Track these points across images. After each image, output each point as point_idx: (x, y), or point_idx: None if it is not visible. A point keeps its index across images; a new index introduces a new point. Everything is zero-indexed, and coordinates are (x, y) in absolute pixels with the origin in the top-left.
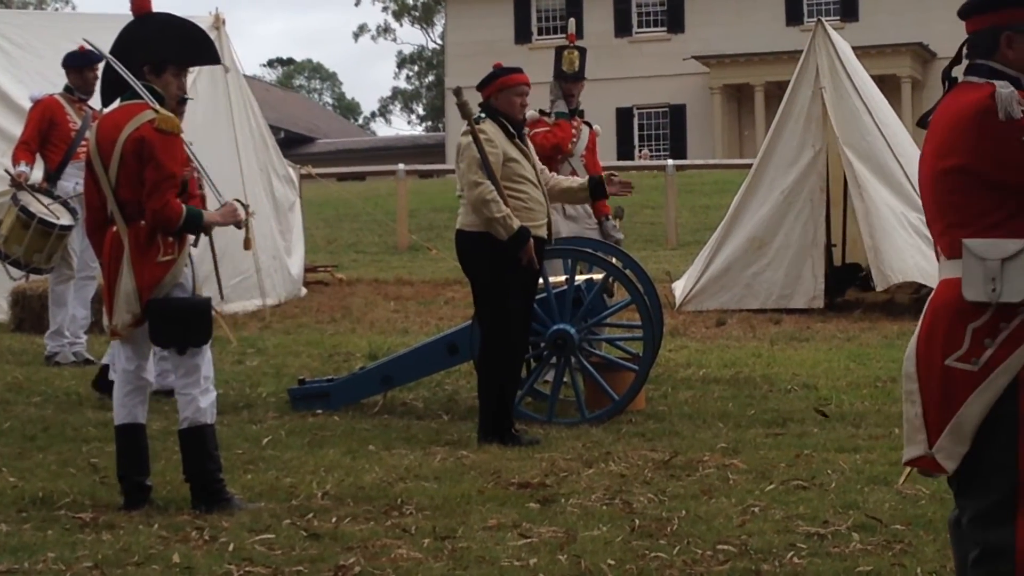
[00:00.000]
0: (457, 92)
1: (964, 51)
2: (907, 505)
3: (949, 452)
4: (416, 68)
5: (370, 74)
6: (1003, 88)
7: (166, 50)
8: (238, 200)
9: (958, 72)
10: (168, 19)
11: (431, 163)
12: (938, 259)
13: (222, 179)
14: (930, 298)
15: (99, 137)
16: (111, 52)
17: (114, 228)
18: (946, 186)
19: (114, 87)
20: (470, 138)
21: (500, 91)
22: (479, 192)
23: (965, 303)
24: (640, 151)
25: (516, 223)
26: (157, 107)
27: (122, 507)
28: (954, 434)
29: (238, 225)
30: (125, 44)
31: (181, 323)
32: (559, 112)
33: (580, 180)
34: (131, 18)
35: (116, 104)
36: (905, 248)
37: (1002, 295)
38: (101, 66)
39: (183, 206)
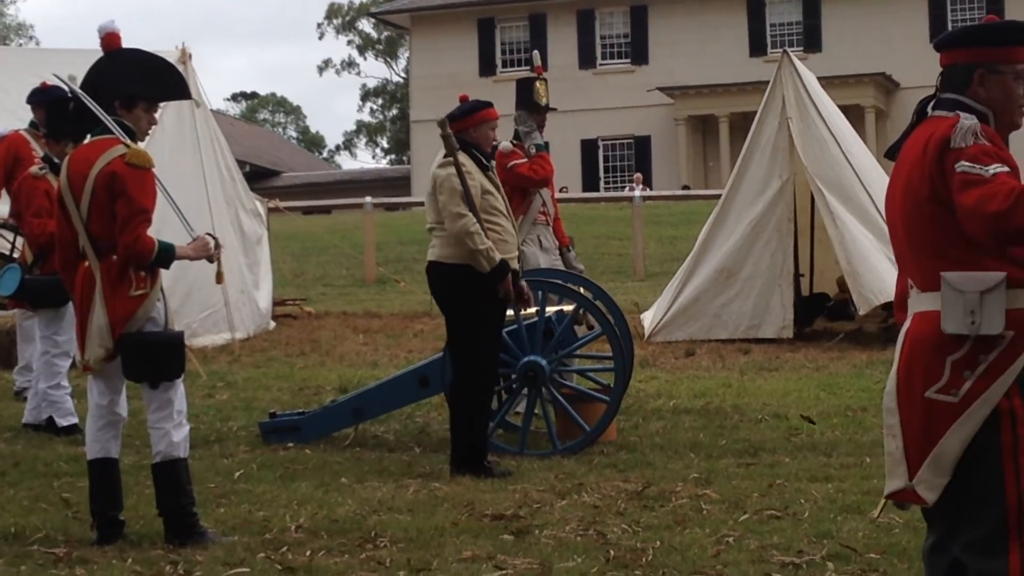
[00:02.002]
0: (442, 124)
1: (938, 84)
2: (881, 534)
3: (930, 484)
4: (380, 101)
5: (334, 107)
6: (966, 119)
7: (137, 85)
8: (209, 234)
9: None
10: (137, 55)
11: (397, 196)
12: (906, 293)
13: (189, 213)
14: (905, 331)
15: (70, 172)
16: (82, 87)
17: (86, 263)
18: (920, 218)
19: (84, 122)
20: (451, 170)
21: (479, 124)
22: (463, 224)
23: (944, 336)
24: (633, 178)
25: (498, 256)
26: (128, 142)
27: (95, 542)
28: (935, 465)
29: (210, 259)
30: (95, 80)
31: (154, 357)
32: (538, 144)
33: None
34: (99, 54)
35: (87, 139)
36: (883, 269)
37: (981, 327)
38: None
39: (155, 240)
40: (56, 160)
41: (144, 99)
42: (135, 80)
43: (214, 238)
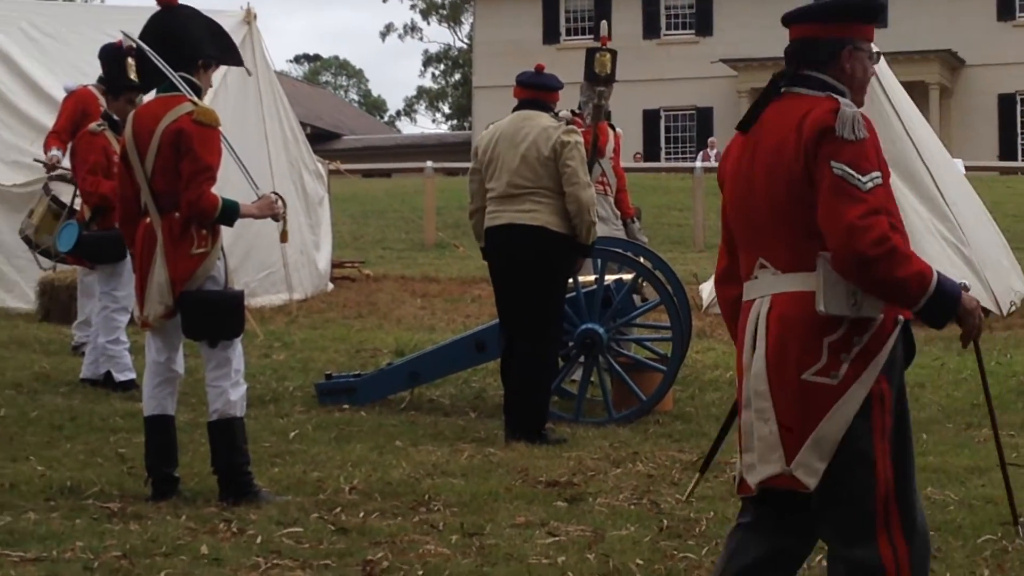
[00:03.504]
0: (600, 94)
1: (790, 57)
2: (936, 511)
3: (810, 468)
4: (442, 67)
5: (396, 72)
6: (847, 106)
7: (211, 47)
8: (275, 192)
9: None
10: (199, 15)
11: (457, 161)
12: (749, 272)
13: (250, 171)
14: (766, 313)
15: (135, 128)
16: (146, 42)
17: (147, 220)
18: (792, 197)
19: (150, 78)
20: (579, 137)
21: (555, 102)
22: (591, 194)
23: (819, 317)
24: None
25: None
26: (195, 99)
27: (150, 498)
28: (816, 449)
29: (275, 218)
30: (156, 35)
31: (214, 316)
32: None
33: None
34: (155, 9)
35: (152, 95)
36: (931, 255)
37: (862, 309)
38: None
39: (219, 197)
40: (115, 117)
41: (216, 61)
42: (208, 42)
43: (280, 197)
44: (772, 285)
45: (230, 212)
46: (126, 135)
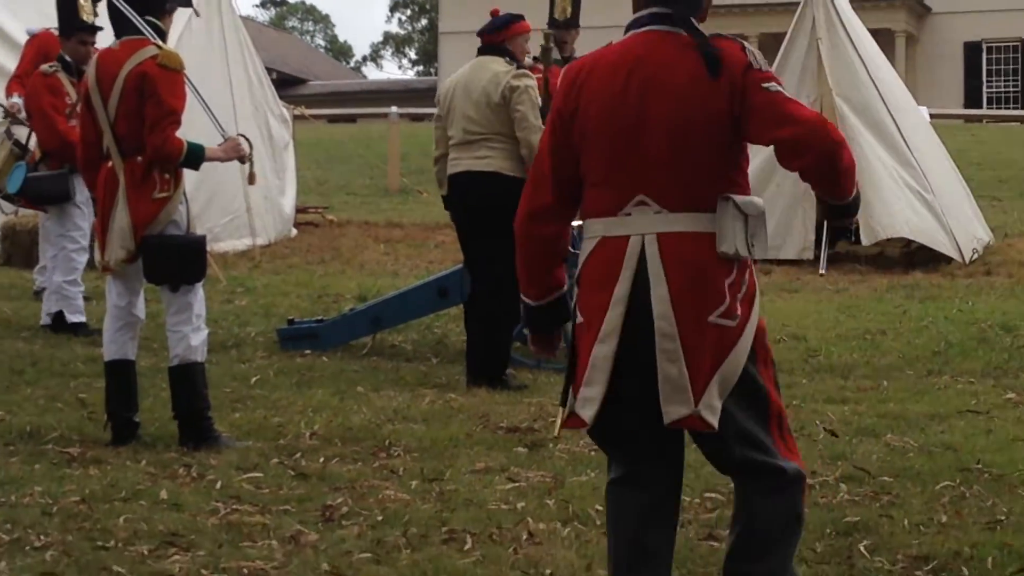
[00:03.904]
0: (547, 37)
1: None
2: (895, 457)
3: (712, 408)
4: (409, 12)
5: (362, 17)
6: (747, 44)
7: None
8: (241, 135)
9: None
10: None
11: (423, 107)
12: (617, 208)
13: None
14: (657, 253)
15: (99, 72)
16: None
17: (109, 164)
18: (697, 138)
19: (123, 24)
20: (531, 82)
21: (515, 37)
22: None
23: (718, 259)
24: None
25: None
26: (159, 43)
27: (110, 443)
28: (720, 389)
29: (242, 160)
30: None
31: (175, 260)
32: (556, 59)
33: None
34: None
35: (115, 40)
36: (895, 203)
37: (755, 251)
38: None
39: (184, 141)
40: (68, 59)
41: (176, 4)
42: None
43: (246, 138)
44: (654, 224)
45: (195, 156)
46: (89, 78)
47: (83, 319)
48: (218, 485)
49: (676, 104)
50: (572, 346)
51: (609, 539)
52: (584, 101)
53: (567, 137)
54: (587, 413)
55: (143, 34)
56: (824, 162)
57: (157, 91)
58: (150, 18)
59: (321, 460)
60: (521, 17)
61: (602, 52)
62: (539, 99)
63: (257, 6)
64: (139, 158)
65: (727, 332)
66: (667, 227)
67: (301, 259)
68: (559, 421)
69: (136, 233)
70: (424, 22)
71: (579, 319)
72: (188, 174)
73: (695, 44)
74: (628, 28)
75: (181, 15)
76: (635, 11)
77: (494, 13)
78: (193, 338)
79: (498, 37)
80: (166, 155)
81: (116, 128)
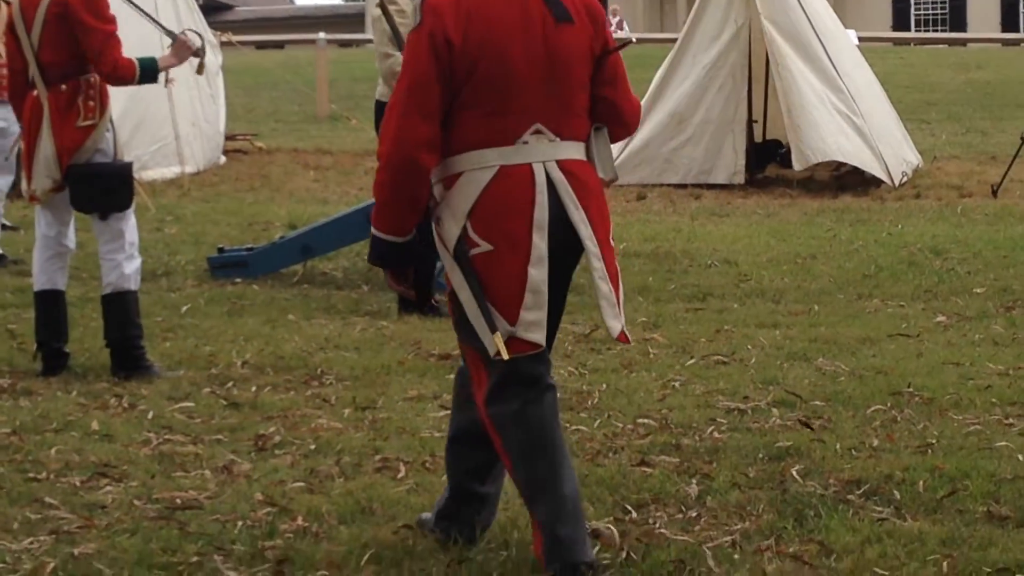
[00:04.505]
0: None
1: None
2: (827, 381)
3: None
4: None
5: None
6: None
7: None
8: (187, 31)
9: None
10: None
11: (351, 33)
12: (515, 136)
13: (140, 44)
14: (564, 178)
15: (22, 1)
16: None
17: (34, 92)
18: (587, 75)
19: None
20: (377, 11)
21: None
22: (390, 64)
23: (601, 184)
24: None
25: None
26: None
27: (40, 373)
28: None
29: (196, 54)
30: None
31: (102, 188)
32: None
33: None
34: None
35: None
36: (825, 127)
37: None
38: None
39: (134, 60)
40: None
41: None
42: None
43: (194, 31)
44: (548, 152)
45: (150, 70)
46: (12, 8)
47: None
48: (150, 415)
49: (567, 38)
50: (471, 273)
51: (524, 460)
52: (478, 30)
53: (453, 64)
54: (537, 336)
55: None
56: (621, 136)
57: (83, 19)
58: None
59: (253, 389)
60: None
61: None
62: (387, 27)
63: None
64: (63, 86)
65: (614, 252)
66: (560, 155)
67: (230, 187)
68: (500, 347)
69: (62, 161)
70: None
71: (482, 247)
72: (114, 101)
73: None
74: None
75: None
76: None
77: None
78: (126, 266)
79: None
80: (120, 78)
81: (40, 56)
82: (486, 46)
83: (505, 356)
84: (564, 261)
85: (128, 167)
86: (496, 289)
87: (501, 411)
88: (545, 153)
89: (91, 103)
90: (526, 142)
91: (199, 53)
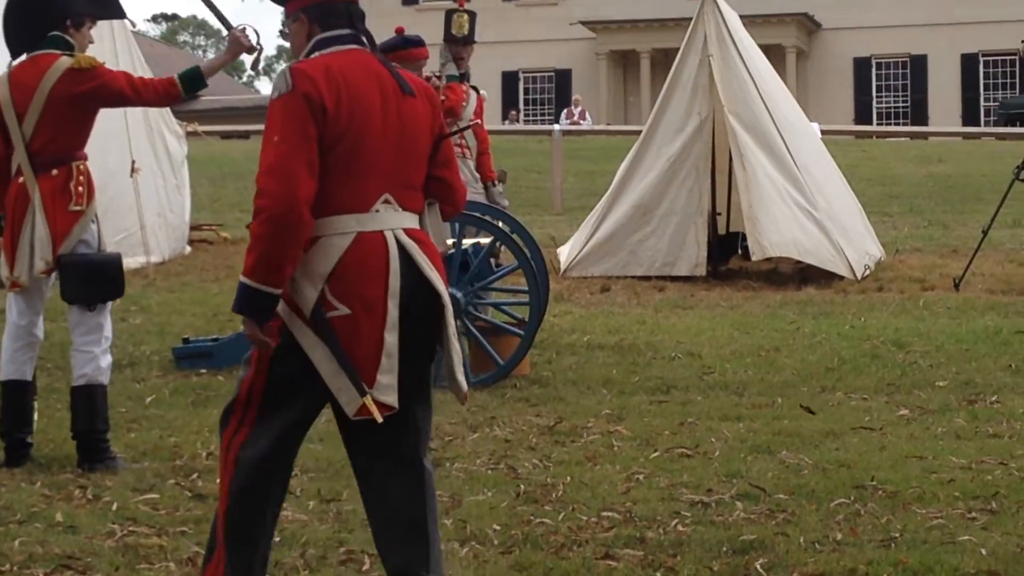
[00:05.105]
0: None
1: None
2: (790, 474)
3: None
4: None
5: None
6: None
7: (85, 4)
8: (243, 25)
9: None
10: None
11: None
12: (368, 205)
13: (106, 134)
14: (415, 245)
15: (13, 91)
16: (8, 5)
17: (20, 180)
18: (420, 146)
19: (20, 39)
20: None
21: (402, 62)
22: None
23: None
24: (511, 112)
25: None
26: (71, 53)
27: (3, 464)
28: None
29: (250, 50)
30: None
31: (95, 279)
32: (450, 75)
33: None
34: None
35: (24, 57)
36: (783, 221)
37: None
38: None
39: (173, 77)
40: None
41: (91, 17)
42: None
43: (247, 26)
44: (396, 220)
45: (194, 78)
46: (1, 97)
47: None
48: (114, 507)
49: (414, 111)
50: (331, 336)
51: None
52: (347, 100)
53: (325, 129)
54: (390, 398)
55: (51, 47)
56: (449, 215)
57: (97, 88)
58: (57, 33)
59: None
60: (416, 43)
61: (338, 60)
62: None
63: (149, 20)
64: (55, 171)
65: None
66: (405, 224)
67: (195, 277)
68: (372, 408)
69: (55, 244)
70: None
71: (340, 311)
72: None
73: (389, 68)
74: (325, 44)
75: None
76: (324, 30)
77: (399, 30)
78: (102, 360)
79: (408, 55)
80: (169, 98)
81: (31, 145)
82: (354, 115)
83: (379, 419)
84: (416, 328)
85: (119, 258)
86: (354, 352)
87: (250, 456)
88: (394, 222)
89: (80, 189)
90: (378, 210)
91: (252, 49)
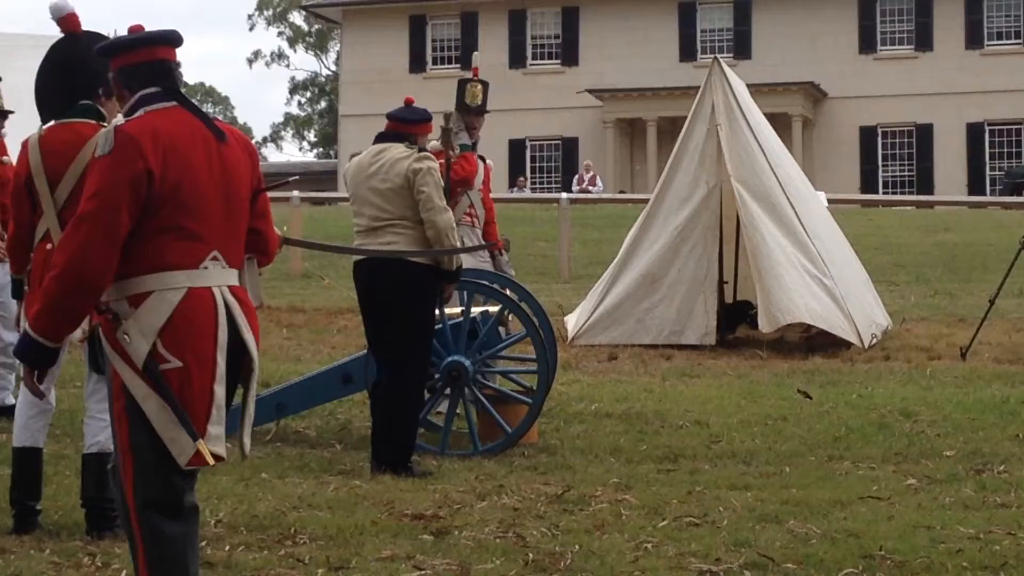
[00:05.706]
0: (448, 117)
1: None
2: (799, 544)
3: None
4: (309, 94)
5: (262, 99)
6: None
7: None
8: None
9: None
10: (99, 39)
11: (323, 190)
12: (197, 262)
13: None
14: (237, 303)
15: (46, 157)
16: (42, 69)
17: (48, 246)
18: (243, 204)
19: (53, 105)
20: (434, 163)
21: (423, 135)
22: (448, 218)
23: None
24: (518, 180)
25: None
26: (104, 124)
27: (12, 531)
28: None
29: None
30: (58, 62)
31: None
32: (463, 144)
33: None
34: (55, 37)
35: (53, 123)
36: (794, 288)
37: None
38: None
39: None
40: None
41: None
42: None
43: None
44: (222, 277)
45: None
46: (32, 162)
47: (13, 401)
48: (123, 574)
49: (233, 158)
50: (164, 388)
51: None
52: (175, 161)
53: (151, 192)
54: (219, 448)
55: (86, 117)
56: (263, 265)
57: None
58: (88, 102)
59: (227, 548)
60: (431, 118)
61: (162, 119)
62: (441, 181)
63: None
64: None
65: None
66: (229, 281)
67: None
68: (205, 452)
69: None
70: (324, 104)
71: (172, 363)
72: None
73: (203, 119)
74: (147, 101)
75: None
76: (142, 87)
77: (408, 102)
78: None
79: (408, 128)
80: None
81: (63, 212)
82: (184, 177)
83: (211, 462)
84: (233, 381)
85: None
86: (187, 404)
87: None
88: (220, 279)
89: None
90: (207, 267)
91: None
